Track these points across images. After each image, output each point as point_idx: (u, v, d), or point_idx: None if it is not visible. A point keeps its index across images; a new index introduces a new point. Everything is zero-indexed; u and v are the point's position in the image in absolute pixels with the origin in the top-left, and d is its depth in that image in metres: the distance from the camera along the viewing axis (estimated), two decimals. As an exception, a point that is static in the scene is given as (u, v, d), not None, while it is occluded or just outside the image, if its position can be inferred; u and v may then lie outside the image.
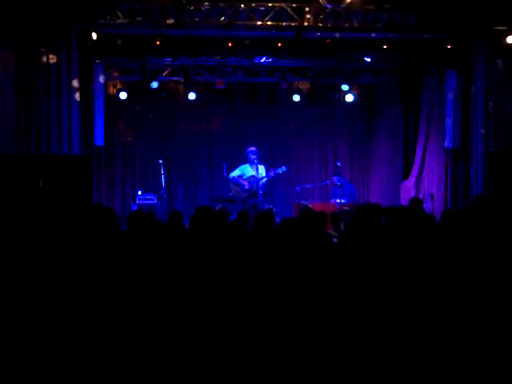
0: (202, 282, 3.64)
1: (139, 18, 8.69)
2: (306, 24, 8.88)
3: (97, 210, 4.35)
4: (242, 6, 8.78)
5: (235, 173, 10.43)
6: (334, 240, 5.43)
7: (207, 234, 4.54)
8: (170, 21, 8.44)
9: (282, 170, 10.36)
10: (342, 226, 6.85)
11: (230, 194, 10.44)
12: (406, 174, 11.49)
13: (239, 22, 8.86)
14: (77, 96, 8.55)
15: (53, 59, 8.42)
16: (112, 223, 4.42)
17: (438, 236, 4.44)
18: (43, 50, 8.48)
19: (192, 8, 8.69)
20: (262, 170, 10.35)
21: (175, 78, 11.55)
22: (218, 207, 6.91)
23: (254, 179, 10.23)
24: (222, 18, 8.79)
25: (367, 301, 3.55)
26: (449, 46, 9.63)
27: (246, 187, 10.24)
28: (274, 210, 8.39)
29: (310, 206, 8.29)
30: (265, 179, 10.29)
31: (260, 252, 4.12)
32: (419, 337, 3.34)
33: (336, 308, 3.51)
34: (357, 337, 3.34)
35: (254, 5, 8.83)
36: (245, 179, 10.33)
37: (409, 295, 3.61)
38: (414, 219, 4.74)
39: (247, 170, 10.40)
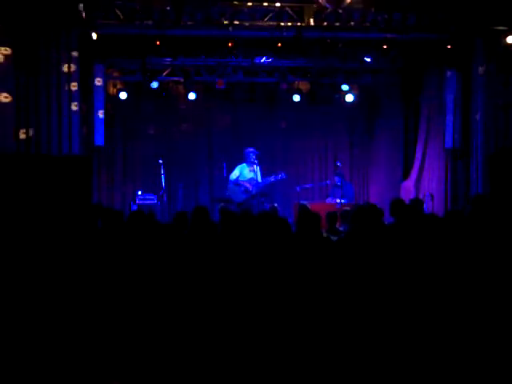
0: (202, 280, 3.64)
1: (139, 18, 8.69)
2: (305, 24, 8.89)
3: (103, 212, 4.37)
4: (242, 6, 8.78)
5: (234, 173, 10.44)
6: (333, 239, 5.43)
7: (206, 233, 4.54)
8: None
9: (281, 176, 10.38)
10: (337, 226, 6.86)
11: (228, 193, 10.45)
12: (406, 174, 11.49)
13: (239, 22, 8.86)
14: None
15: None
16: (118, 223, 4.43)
17: (440, 236, 4.44)
18: (43, 50, 8.48)
19: (192, 8, 8.69)
20: (258, 170, 10.40)
21: (175, 78, 11.53)
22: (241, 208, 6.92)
23: (255, 182, 10.26)
24: (223, 18, 8.80)
25: (367, 300, 3.55)
26: (449, 46, 9.63)
27: (250, 189, 10.25)
28: (278, 208, 8.47)
29: (309, 205, 8.32)
30: (262, 185, 10.35)
31: (258, 250, 4.12)
32: (419, 336, 3.34)
33: (334, 308, 3.51)
34: (357, 335, 3.34)
35: (254, 5, 8.83)
36: (247, 181, 10.34)
37: (410, 295, 3.61)
38: (419, 218, 4.76)
39: (245, 170, 10.41)
